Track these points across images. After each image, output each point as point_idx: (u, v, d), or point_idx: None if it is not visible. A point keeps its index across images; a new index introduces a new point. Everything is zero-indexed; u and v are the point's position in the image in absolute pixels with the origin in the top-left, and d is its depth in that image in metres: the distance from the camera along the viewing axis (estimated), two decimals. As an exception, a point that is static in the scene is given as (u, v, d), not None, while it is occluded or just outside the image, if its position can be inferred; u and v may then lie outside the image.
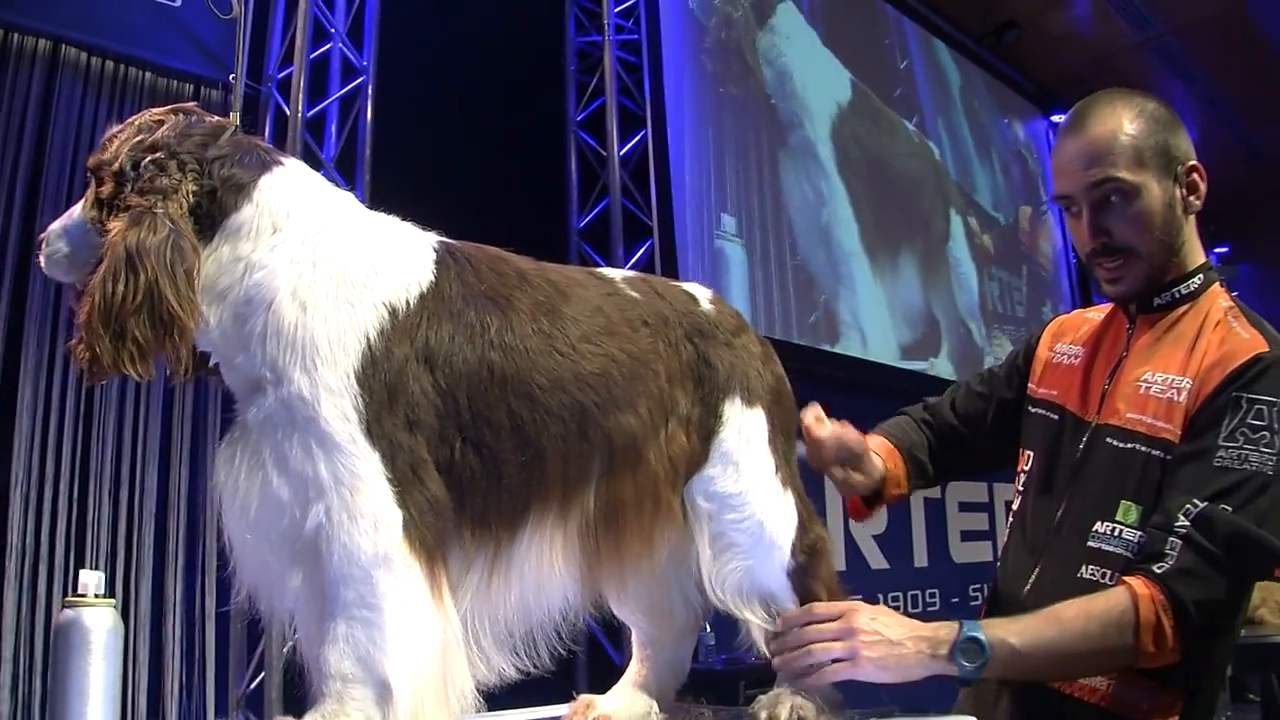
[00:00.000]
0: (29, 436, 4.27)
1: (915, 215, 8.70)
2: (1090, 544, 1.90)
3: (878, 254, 8.03)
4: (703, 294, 1.83)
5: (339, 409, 1.36)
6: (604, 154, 6.59)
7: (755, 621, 1.74)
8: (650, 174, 6.49)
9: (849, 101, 8.14)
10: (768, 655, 1.76)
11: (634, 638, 1.89)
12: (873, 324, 7.80)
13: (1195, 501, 1.73)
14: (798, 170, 7.48)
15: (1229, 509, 1.71)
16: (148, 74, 4.83)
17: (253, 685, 4.54)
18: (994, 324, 9.41)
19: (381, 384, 1.38)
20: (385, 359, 1.39)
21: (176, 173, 1.41)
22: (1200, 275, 1.97)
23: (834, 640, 1.71)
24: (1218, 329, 1.89)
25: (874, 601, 7.15)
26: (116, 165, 1.41)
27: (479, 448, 1.44)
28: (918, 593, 7.59)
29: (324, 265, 1.42)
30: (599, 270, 1.75)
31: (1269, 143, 12.25)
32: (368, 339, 1.39)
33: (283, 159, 1.53)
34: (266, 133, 5.00)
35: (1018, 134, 10.97)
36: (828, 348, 7.31)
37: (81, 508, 4.38)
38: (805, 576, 1.76)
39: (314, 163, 4.92)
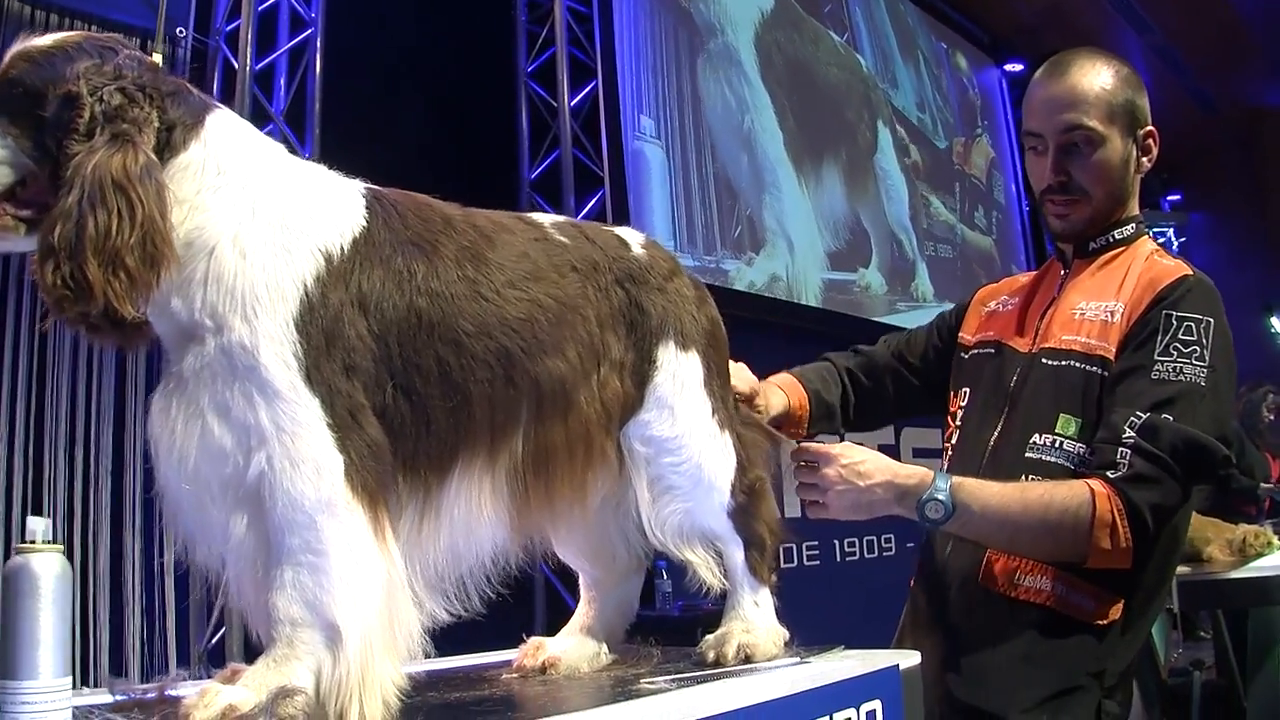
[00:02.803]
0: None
1: (842, 126, 8.67)
2: (1029, 455, 2.02)
3: (803, 163, 8.00)
4: (635, 238, 1.83)
5: (279, 356, 1.35)
6: (555, 105, 6.56)
7: (697, 562, 1.77)
8: (601, 124, 6.47)
9: (771, 10, 8.08)
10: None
11: (581, 581, 1.91)
12: (799, 232, 7.81)
13: (1139, 413, 1.86)
14: (717, 77, 7.43)
15: (1170, 418, 1.84)
16: (93, 27, 4.74)
17: (214, 640, 4.56)
18: (926, 239, 9.41)
19: (319, 330, 1.37)
20: (322, 305, 1.38)
21: (146, 104, 1.36)
22: (1133, 225, 2.14)
23: (811, 483, 1.96)
24: (1146, 262, 2.05)
25: (830, 548, 7.19)
26: (70, 87, 1.33)
27: (409, 394, 1.43)
28: (873, 537, 7.66)
29: (262, 212, 1.40)
30: (529, 216, 1.74)
31: (1220, 93, 12.33)
32: (305, 286, 1.38)
33: (216, 103, 1.49)
34: (214, 87, 4.93)
35: (960, 63, 10.91)
36: (752, 255, 7.34)
37: (37, 466, 4.36)
38: (746, 516, 1.79)
39: (263, 116, 4.90)
